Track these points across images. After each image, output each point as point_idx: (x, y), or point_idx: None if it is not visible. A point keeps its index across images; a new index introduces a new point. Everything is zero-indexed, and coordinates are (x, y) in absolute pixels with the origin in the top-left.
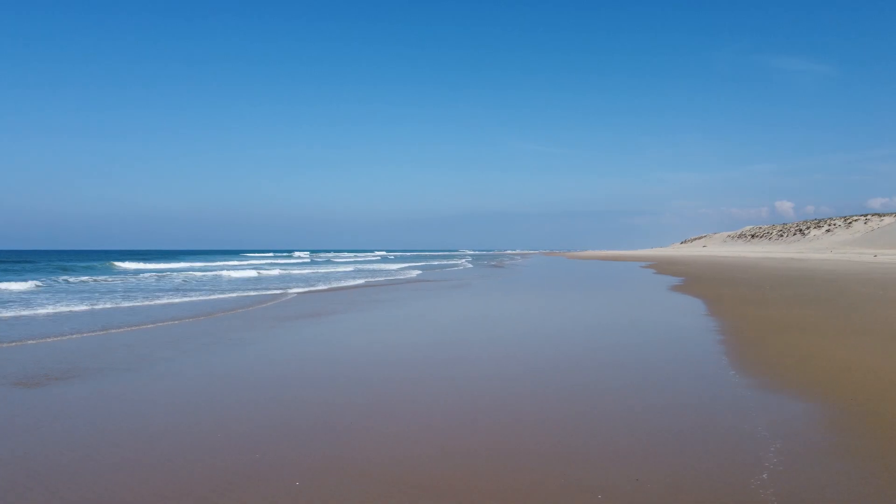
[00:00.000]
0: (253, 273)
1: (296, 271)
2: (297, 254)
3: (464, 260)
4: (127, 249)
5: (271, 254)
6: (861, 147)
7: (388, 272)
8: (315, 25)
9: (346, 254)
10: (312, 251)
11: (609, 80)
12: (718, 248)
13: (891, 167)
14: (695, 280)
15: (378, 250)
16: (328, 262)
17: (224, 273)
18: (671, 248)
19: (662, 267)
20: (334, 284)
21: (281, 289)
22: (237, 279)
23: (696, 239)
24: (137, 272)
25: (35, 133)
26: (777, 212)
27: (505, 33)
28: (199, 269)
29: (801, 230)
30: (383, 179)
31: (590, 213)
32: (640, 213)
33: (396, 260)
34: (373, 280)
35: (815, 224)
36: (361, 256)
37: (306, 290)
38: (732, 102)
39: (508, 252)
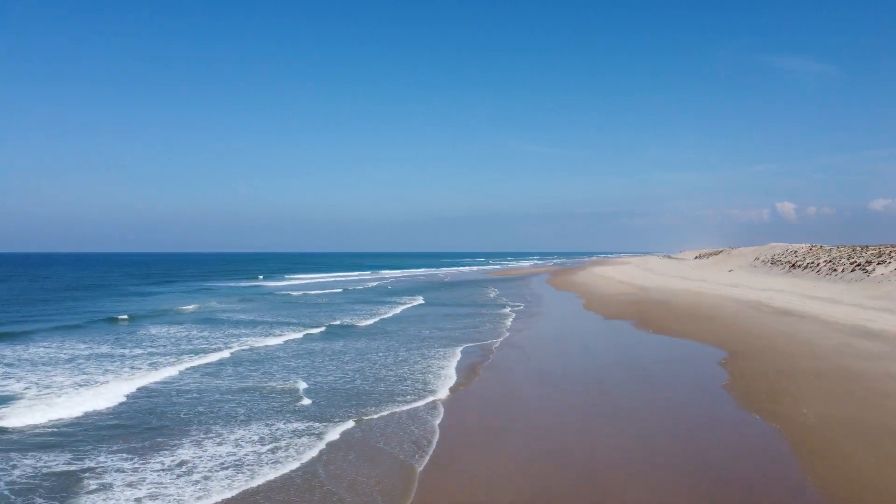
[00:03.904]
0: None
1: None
2: (299, 277)
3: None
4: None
5: (276, 282)
6: (862, 147)
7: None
8: (315, 26)
9: (366, 273)
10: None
11: (609, 79)
12: (751, 277)
13: (892, 167)
14: None
15: (387, 266)
16: (350, 327)
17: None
18: (682, 261)
19: (767, 403)
20: None
21: None
22: None
23: (713, 254)
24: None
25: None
26: (778, 213)
27: (505, 35)
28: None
29: (859, 265)
30: (384, 180)
31: (590, 213)
32: (639, 214)
33: (427, 307)
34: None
35: (875, 256)
36: (382, 273)
37: None
38: (733, 102)
39: (526, 266)
